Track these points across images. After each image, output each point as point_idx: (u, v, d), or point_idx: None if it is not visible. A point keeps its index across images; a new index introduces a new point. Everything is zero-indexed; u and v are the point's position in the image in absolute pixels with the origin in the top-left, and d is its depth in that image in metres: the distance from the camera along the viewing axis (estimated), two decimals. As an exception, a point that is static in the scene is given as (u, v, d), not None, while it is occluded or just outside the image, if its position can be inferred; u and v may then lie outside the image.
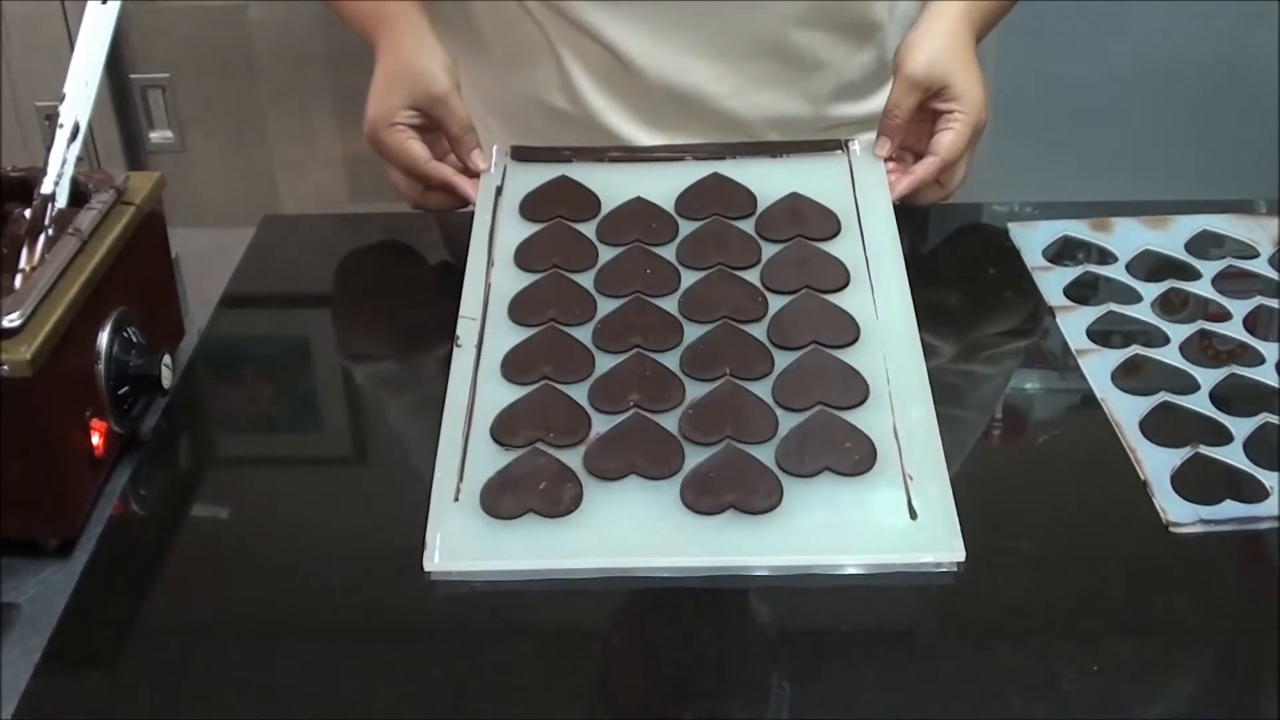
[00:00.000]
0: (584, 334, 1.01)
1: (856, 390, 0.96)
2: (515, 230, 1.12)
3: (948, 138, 1.15)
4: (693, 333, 1.01)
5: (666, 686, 0.79)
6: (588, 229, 1.12)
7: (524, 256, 1.09)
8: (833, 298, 1.04)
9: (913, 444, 0.92)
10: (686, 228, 1.12)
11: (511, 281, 1.06)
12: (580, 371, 0.98)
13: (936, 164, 1.15)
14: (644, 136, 1.27)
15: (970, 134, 1.16)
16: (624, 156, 1.20)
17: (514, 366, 0.99)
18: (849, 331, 1.01)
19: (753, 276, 1.07)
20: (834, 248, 1.09)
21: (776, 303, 1.04)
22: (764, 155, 1.20)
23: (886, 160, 1.18)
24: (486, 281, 1.07)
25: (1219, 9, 2.19)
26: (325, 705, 0.78)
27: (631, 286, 1.05)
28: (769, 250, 1.09)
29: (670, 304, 1.04)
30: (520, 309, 1.04)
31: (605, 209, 1.14)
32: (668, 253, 1.09)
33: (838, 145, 1.20)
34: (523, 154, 1.21)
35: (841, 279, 1.06)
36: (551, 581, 0.85)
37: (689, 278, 1.07)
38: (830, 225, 1.11)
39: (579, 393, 0.97)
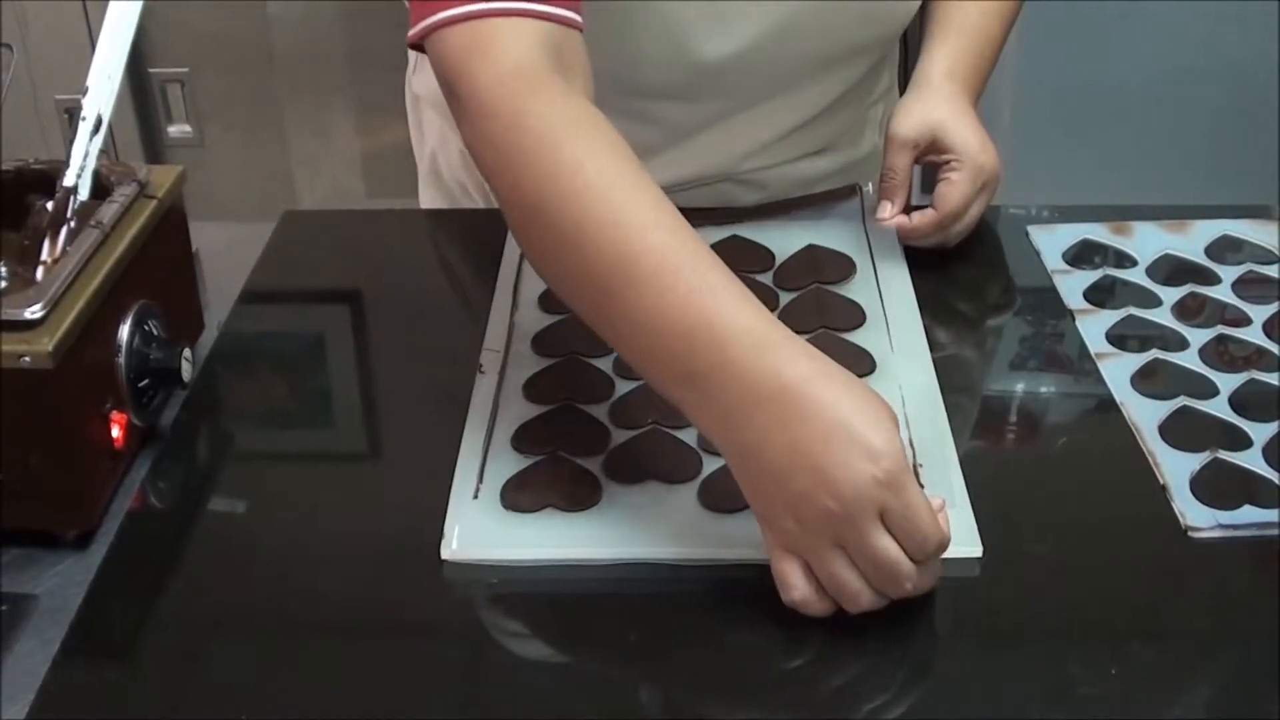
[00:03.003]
0: (605, 364, 1.03)
1: None
2: (540, 279, 1.13)
3: (947, 190, 1.14)
4: None
5: (680, 680, 0.79)
6: None
7: (548, 300, 1.11)
8: (848, 336, 1.06)
9: (928, 454, 0.93)
10: None
11: (535, 321, 1.08)
12: (600, 394, 1.00)
13: (931, 218, 1.14)
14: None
15: (970, 182, 1.14)
16: None
17: (536, 389, 1.01)
18: (864, 364, 1.03)
19: None
20: (849, 290, 1.11)
21: None
22: (780, 214, 1.22)
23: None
24: (511, 321, 1.08)
25: (1239, 14, 2.18)
26: (341, 699, 0.78)
27: None
28: (786, 298, 1.11)
29: None
30: (543, 342, 1.06)
31: None
32: None
33: (853, 191, 1.23)
34: None
35: (857, 318, 1.08)
36: (567, 571, 0.85)
37: None
38: (845, 268, 1.14)
39: (599, 412, 0.98)
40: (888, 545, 0.76)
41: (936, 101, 1.16)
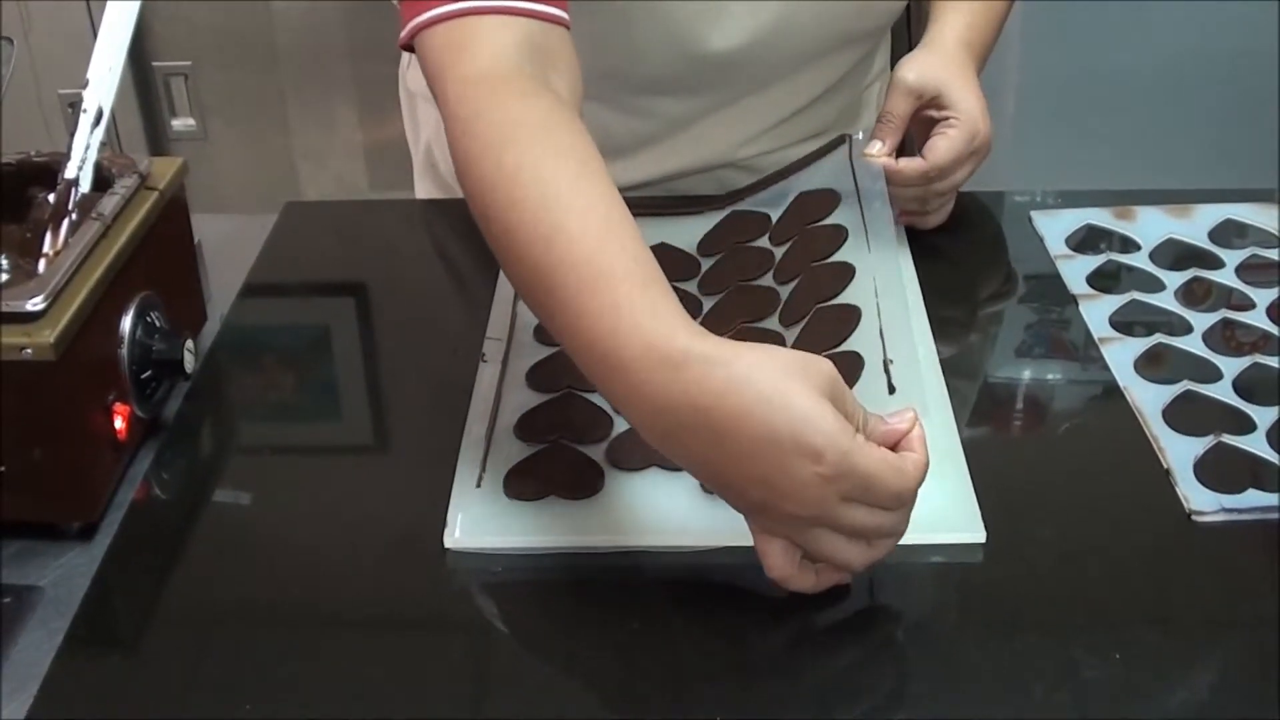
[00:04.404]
0: None
1: (848, 323, 1.00)
2: None
3: (940, 143, 1.14)
4: None
5: (684, 667, 0.79)
6: None
7: None
8: (833, 258, 1.08)
9: (931, 433, 0.93)
10: (707, 264, 1.15)
11: None
12: None
13: (919, 167, 1.14)
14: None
15: (964, 141, 1.13)
16: (647, 211, 1.21)
17: (538, 377, 1.01)
18: (845, 276, 1.05)
19: (767, 280, 1.10)
20: (834, 217, 1.13)
21: (785, 291, 1.07)
22: (775, 181, 1.22)
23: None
24: (513, 309, 1.08)
25: (1241, -1, 2.18)
26: (345, 688, 0.78)
27: None
28: (779, 253, 1.13)
29: None
30: (546, 331, 1.05)
31: None
32: (689, 287, 1.12)
33: (842, 140, 1.22)
34: None
35: (840, 239, 1.10)
36: (570, 559, 0.86)
37: (709, 303, 1.09)
38: (829, 202, 1.15)
39: (601, 400, 0.98)
40: (863, 518, 0.75)
41: (946, 61, 1.16)
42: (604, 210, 0.81)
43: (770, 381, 0.74)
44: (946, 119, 1.14)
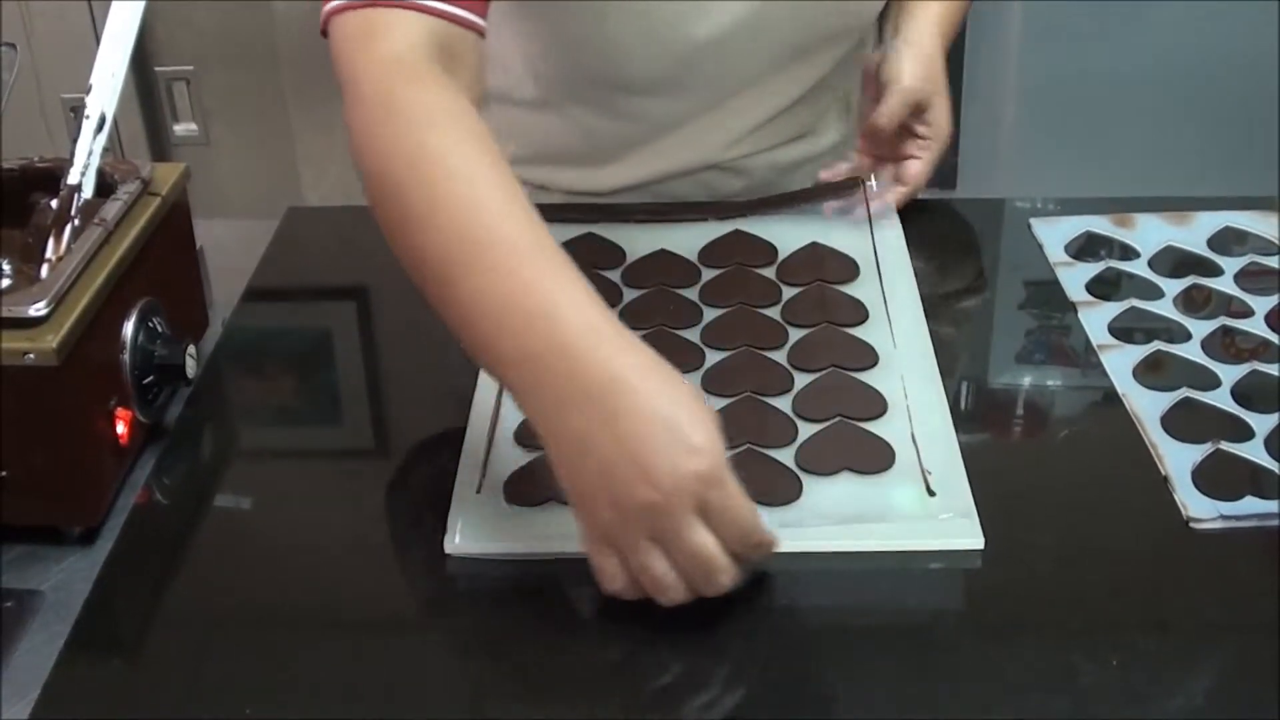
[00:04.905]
0: None
1: (875, 404, 0.98)
2: None
3: (916, 167, 1.20)
4: (714, 358, 1.03)
5: (683, 671, 0.79)
6: (613, 275, 1.14)
7: None
8: (852, 331, 1.07)
9: (931, 446, 0.94)
10: (709, 274, 1.14)
11: None
12: None
13: (906, 195, 1.21)
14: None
15: (936, 159, 1.21)
16: (648, 218, 1.22)
17: None
18: (868, 358, 1.03)
19: (774, 313, 1.09)
20: (853, 290, 1.12)
21: (796, 334, 1.06)
22: (785, 207, 1.23)
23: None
24: None
25: (1240, 6, 2.18)
26: (345, 693, 0.78)
27: (654, 321, 1.07)
28: (789, 292, 1.12)
29: (692, 335, 1.06)
30: None
31: (629, 260, 1.16)
32: (690, 294, 1.12)
33: (857, 184, 1.23)
34: (549, 214, 1.21)
35: (860, 315, 1.08)
36: (570, 564, 0.85)
37: (710, 314, 1.09)
38: (849, 269, 1.15)
39: None
40: (704, 539, 0.77)
41: (928, 65, 1.20)
42: (524, 200, 0.85)
43: (686, 388, 0.80)
44: (924, 138, 1.20)
